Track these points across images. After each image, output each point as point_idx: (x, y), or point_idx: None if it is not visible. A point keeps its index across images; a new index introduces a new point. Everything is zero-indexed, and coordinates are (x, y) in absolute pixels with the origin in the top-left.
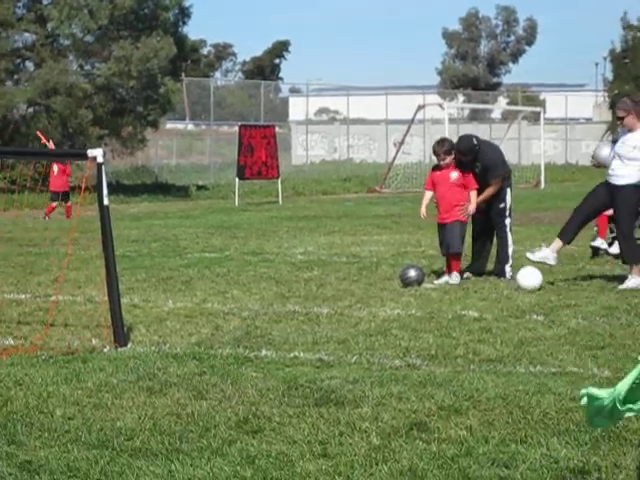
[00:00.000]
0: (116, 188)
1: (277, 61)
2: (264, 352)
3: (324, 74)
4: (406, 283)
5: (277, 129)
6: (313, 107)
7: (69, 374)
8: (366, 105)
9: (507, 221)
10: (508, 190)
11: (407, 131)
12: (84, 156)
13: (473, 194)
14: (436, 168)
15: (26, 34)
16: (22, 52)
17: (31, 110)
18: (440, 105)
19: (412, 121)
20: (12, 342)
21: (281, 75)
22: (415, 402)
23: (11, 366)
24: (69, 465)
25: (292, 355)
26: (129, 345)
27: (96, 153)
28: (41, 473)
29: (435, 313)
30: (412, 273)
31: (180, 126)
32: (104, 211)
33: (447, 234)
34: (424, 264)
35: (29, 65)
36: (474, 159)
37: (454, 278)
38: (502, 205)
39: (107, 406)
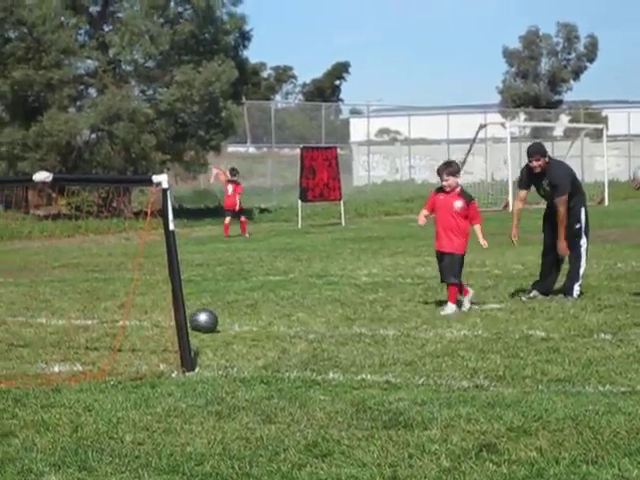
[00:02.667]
0: (179, 212)
1: (337, 82)
2: (331, 375)
3: (384, 94)
4: (195, 328)
5: (338, 150)
6: (374, 128)
7: (138, 399)
8: (427, 125)
9: (582, 241)
10: (582, 210)
11: (469, 150)
12: (149, 182)
13: (478, 229)
14: (440, 191)
15: (88, 61)
16: (85, 79)
17: (94, 136)
18: (502, 124)
19: (474, 140)
20: (80, 368)
21: (341, 96)
22: (484, 423)
23: (80, 392)
24: None
25: (359, 377)
26: (197, 370)
27: (161, 179)
28: None
29: (502, 334)
30: (202, 318)
31: (241, 149)
32: (170, 236)
33: (444, 263)
34: (489, 284)
35: (92, 91)
36: (542, 174)
37: (447, 309)
38: (577, 226)
39: (176, 431)
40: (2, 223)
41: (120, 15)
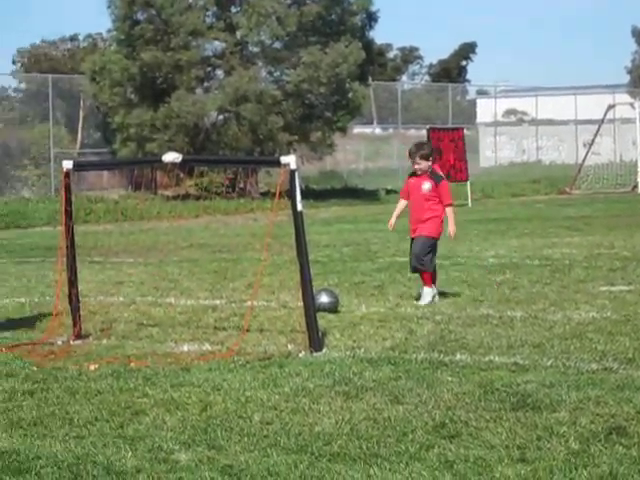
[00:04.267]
0: (306, 193)
1: (464, 63)
2: (459, 356)
3: (512, 75)
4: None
5: (465, 131)
6: (501, 108)
7: (266, 379)
8: (554, 105)
9: None
10: None
11: (597, 131)
12: (277, 163)
13: (450, 211)
14: (412, 175)
15: (216, 42)
16: (212, 60)
17: (221, 117)
18: (631, 104)
19: (602, 121)
20: (209, 347)
21: (468, 77)
22: (613, 406)
23: (209, 371)
24: (269, 469)
25: (487, 359)
26: (324, 350)
27: (289, 160)
28: (242, 477)
29: (631, 316)
30: (324, 299)
31: (367, 130)
32: (298, 217)
33: (414, 249)
34: (617, 266)
35: (219, 73)
36: None
37: (425, 296)
38: None
39: (304, 411)
40: (131, 204)
41: None
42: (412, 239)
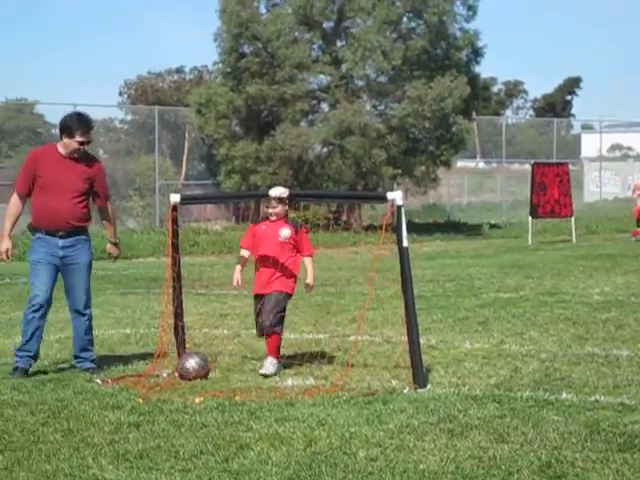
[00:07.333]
0: (409, 227)
1: (569, 97)
2: (564, 395)
3: (617, 110)
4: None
5: (570, 166)
6: (606, 143)
7: (370, 415)
8: None
9: None
10: None
11: None
12: (384, 199)
13: (308, 262)
14: (260, 221)
15: (321, 76)
16: (317, 93)
17: (325, 150)
18: None
19: None
20: (313, 382)
21: (573, 111)
22: None
23: (313, 406)
24: None
25: (593, 398)
26: (428, 386)
27: (395, 196)
28: None
29: None
30: (190, 363)
31: (471, 164)
32: (404, 252)
33: (265, 308)
34: None
35: (324, 106)
36: None
37: (268, 366)
38: None
39: (409, 448)
40: (235, 235)
41: (353, 30)
42: (259, 296)
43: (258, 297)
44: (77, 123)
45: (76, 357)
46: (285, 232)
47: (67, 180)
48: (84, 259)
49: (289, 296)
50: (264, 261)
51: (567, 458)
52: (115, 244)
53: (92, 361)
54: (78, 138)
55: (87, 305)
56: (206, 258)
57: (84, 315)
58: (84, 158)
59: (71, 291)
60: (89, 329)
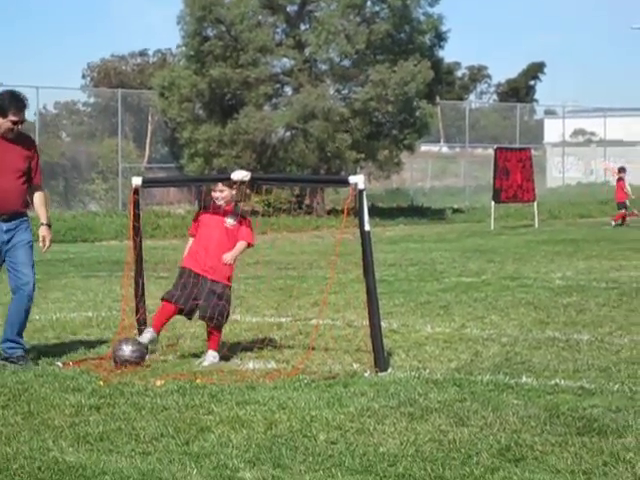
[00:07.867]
0: (372, 211)
1: (532, 83)
2: (524, 379)
3: (580, 95)
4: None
5: (532, 152)
6: (569, 129)
7: (331, 398)
8: (624, 126)
9: None
10: None
11: None
12: (346, 183)
13: (241, 244)
14: (206, 208)
15: (284, 59)
16: (280, 77)
17: (289, 134)
18: None
19: None
20: (274, 365)
21: (536, 97)
22: None
23: (274, 389)
24: None
25: (553, 382)
26: (389, 370)
27: (357, 180)
28: None
29: None
30: (126, 351)
31: (434, 149)
32: (365, 237)
33: (210, 295)
34: None
35: (287, 90)
36: None
37: (210, 357)
38: None
39: (369, 431)
40: None
41: (317, 14)
42: (199, 276)
43: (190, 273)
44: (10, 102)
45: (10, 341)
46: (231, 220)
47: (9, 160)
48: (27, 237)
49: (230, 289)
50: (206, 241)
51: (526, 441)
52: (49, 226)
53: (24, 350)
54: (12, 117)
55: (32, 282)
56: (168, 241)
57: (28, 293)
58: (20, 138)
59: (17, 268)
60: (28, 311)
